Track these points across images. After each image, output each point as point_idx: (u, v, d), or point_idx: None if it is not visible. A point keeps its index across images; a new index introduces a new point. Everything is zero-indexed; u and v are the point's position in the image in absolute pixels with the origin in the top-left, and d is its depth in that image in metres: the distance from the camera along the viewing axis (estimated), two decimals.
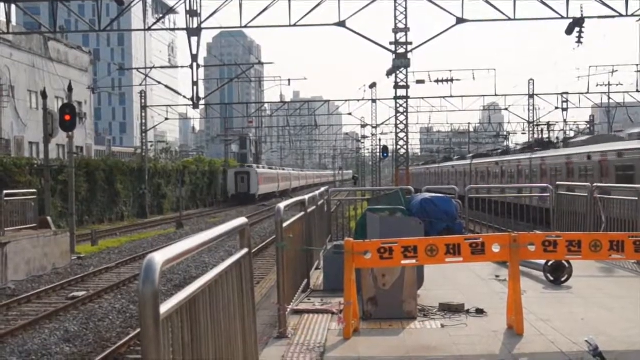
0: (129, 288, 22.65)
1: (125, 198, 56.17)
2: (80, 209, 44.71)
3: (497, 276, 12.32)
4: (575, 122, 72.16)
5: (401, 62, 40.84)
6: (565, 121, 68.28)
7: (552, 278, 11.56)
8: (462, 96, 67.41)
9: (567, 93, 68.65)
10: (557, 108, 69.04)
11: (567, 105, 68.46)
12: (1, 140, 52.07)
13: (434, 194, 13.24)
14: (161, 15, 41.00)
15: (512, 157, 48.54)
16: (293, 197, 16.64)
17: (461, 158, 73.36)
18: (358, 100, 70.43)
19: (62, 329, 16.50)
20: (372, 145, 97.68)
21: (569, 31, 33.57)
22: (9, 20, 36.89)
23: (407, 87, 42.75)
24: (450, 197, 13.05)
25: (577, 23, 33.32)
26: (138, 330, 15.53)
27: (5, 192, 25.85)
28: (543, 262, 11.45)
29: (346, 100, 71.26)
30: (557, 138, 51.28)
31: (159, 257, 3.31)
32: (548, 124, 59.35)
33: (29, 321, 17.20)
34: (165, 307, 3.36)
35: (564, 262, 11.33)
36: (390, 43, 40.54)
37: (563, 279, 11.51)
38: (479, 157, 62.19)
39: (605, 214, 14.66)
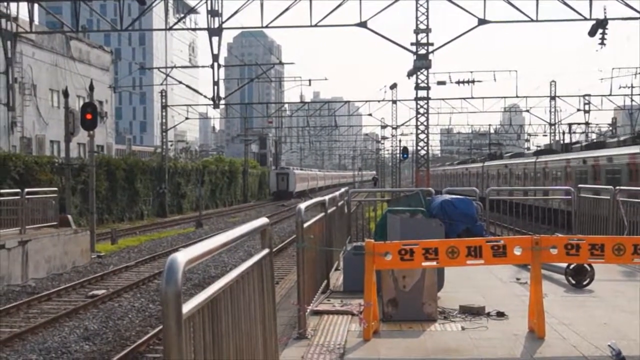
0: (149, 287, 22.74)
1: (145, 197, 56.38)
2: (100, 207, 44.93)
3: (518, 279, 12.26)
4: (597, 124, 71.53)
5: (422, 63, 40.78)
6: (587, 123, 67.83)
7: (573, 281, 11.49)
8: (483, 97, 67.26)
9: (589, 95, 68.24)
10: (579, 110, 68.68)
11: (590, 107, 68.08)
12: (23, 139, 52.41)
13: (454, 196, 13.19)
14: (182, 15, 41.20)
15: (613, 152, 35.28)
16: (319, 195, 16.66)
17: (516, 155, 61.28)
18: (378, 101, 70.44)
19: (82, 327, 16.58)
20: (392, 146, 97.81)
21: (592, 33, 33.41)
22: (31, 20, 37.12)
23: (427, 88, 42.67)
24: (470, 199, 12.99)
25: (600, 24, 33.16)
26: (157, 329, 15.58)
27: (26, 190, 26.01)
28: (564, 265, 11.37)
29: (366, 101, 71.34)
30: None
31: (182, 257, 3.31)
32: (570, 126, 58.63)
33: (49, 319, 17.30)
34: (187, 307, 3.35)
35: (585, 265, 11.25)
36: (412, 44, 40.48)
37: (585, 283, 11.43)
38: (547, 153, 50.27)
39: (629, 217, 14.54)
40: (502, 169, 57.29)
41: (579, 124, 65.33)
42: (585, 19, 33.00)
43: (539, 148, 65.91)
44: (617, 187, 15.84)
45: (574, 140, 57.04)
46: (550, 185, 41.93)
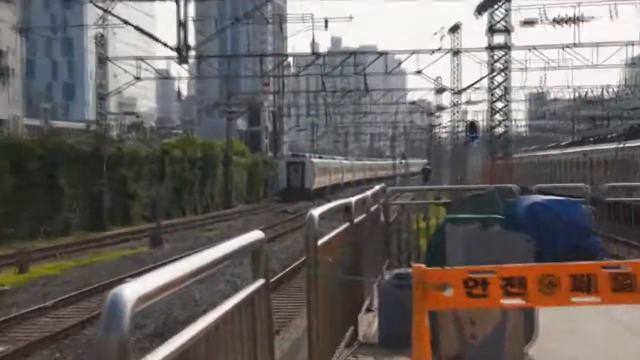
0: (75, 341, 22.77)
1: (73, 199, 56.55)
2: (1, 216, 45.06)
3: None
4: None
5: None
6: None
7: None
8: (595, 45, 66.95)
9: None
10: None
11: None
12: None
13: (549, 197, 13.18)
14: None
15: None
16: (342, 195, 16.68)
17: None
18: (432, 52, 70.16)
19: None
20: (452, 122, 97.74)
21: None
22: None
23: (507, 31, 42.68)
24: (577, 200, 12.97)
25: None
26: None
27: None
28: None
29: (413, 52, 71.18)
30: None
31: (130, 293, 3.29)
32: None
33: None
34: None
35: None
36: None
37: None
38: None
39: None
40: None
41: None
42: None
43: None
44: None
45: None
46: None
